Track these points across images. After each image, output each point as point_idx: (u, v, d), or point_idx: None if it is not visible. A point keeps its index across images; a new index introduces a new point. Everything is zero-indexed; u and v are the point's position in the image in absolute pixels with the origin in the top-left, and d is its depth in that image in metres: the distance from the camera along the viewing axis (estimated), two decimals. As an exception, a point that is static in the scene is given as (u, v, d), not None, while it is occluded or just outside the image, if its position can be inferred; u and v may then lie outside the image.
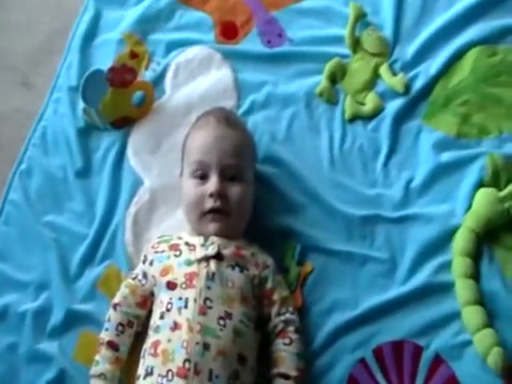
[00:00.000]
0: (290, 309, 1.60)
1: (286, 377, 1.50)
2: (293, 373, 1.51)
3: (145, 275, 1.62)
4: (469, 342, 1.60)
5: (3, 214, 1.83)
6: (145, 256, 1.65)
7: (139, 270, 1.64)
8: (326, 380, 1.58)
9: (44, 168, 1.88)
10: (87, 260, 1.75)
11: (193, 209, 1.63)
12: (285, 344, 1.55)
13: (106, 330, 1.57)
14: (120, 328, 1.57)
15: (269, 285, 1.60)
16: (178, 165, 1.78)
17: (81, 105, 1.90)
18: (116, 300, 1.60)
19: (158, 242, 1.66)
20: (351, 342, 1.62)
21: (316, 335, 1.62)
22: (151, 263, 1.62)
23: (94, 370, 1.53)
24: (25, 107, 2.08)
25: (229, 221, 1.61)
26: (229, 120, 1.70)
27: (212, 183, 1.60)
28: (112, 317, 1.58)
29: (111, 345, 1.55)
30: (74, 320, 1.67)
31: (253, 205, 1.69)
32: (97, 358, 1.54)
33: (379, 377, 1.58)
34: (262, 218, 1.74)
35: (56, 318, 1.67)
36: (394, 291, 1.67)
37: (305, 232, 1.74)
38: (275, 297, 1.59)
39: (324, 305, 1.66)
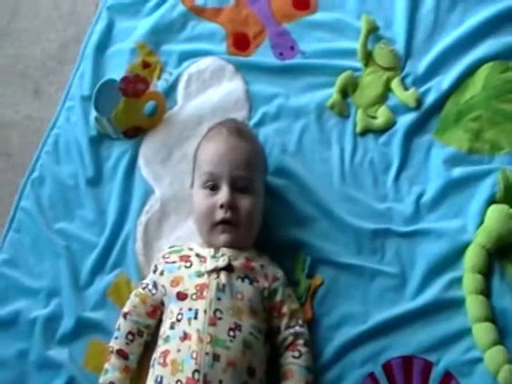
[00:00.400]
0: (300, 321, 1.60)
1: None
2: None
3: (155, 285, 1.62)
4: (479, 359, 1.60)
5: (15, 222, 1.84)
6: (155, 266, 1.66)
7: (149, 279, 1.65)
8: (335, 395, 1.59)
9: (56, 176, 1.89)
10: (98, 268, 1.76)
11: (203, 220, 1.63)
12: (294, 357, 1.55)
13: (116, 338, 1.58)
14: (130, 337, 1.58)
15: (278, 297, 1.60)
16: (188, 175, 1.79)
17: (93, 114, 1.91)
18: (126, 309, 1.61)
19: (169, 253, 1.66)
20: (360, 357, 1.62)
21: (325, 349, 1.62)
22: (162, 273, 1.62)
23: (103, 378, 1.53)
24: (36, 115, 2.10)
25: (239, 232, 1.62)
26: (240, 131, 1.71)
27: (223, 194, 1.60)
28: (122, 326, 1.59)
29: (121, 353, 1.56)
30: (83, 328, 1.68)
31: (263, 217, 1.70)
32: (106, 366, 1.55)
33: (388, 392, 1.58)
34: (272, 230, 1.74)
35: (66, 325, 1.68)
36: (404, 306, 1.67)
37: (315, 245, 1.74)
38: (285, 309, 1.59)
39: (333, 318, 1.66)
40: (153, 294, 1.62)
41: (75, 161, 1.90)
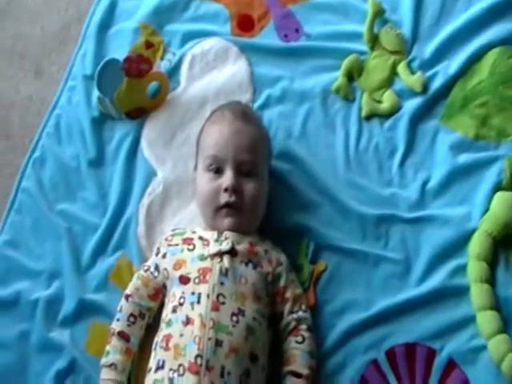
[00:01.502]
0: (303, 307, 1.60)
1: (297, 375, 1.51)
2: (305, 371, 1.51)
3: (157, 268, 1.62)
4: (483, 348, 1.60)
5: (16, 202, 1.84)
6: (158, 248, 1.66)
7: (151, 262, 1.64)
8: (338, 380, 1.59)
9: (57, 157, 1.89)
10: (99, 250, 1.76)
11: (207, 203, 1.63)
12: (297, 342, 1.55)
13: (118, 320, 1.58)
14: (131, 319, 1.58)
15: (282, 282, 1.60)
16: (192, 158, 1.79)
17: (95, 94, 1.91)
18: (128, 291, 1.61)
19: (172, 235, 1.66)
20: (364, 343, 1.62)
21: (328, 335, 1.63)
22: (164, 256, 1.62)
23: (104, 360, 1.54)
24: (37, 95, 2.08)
25: (243, 216, 1.61)
26: (245, 115, 1.70)
27: (227, 177, 1.60)
28: (124, 307, 1.59)
29: (122, 335, 1.56)
30: (85, 310, 1.69)
31: (267, 202, 1.69)
32: (107, 348, 1.55)
33: (391, 378, 1.59)
34: (275, 215, 1.74)
35: (68, 307, 1.69)
36: (408, 293, 1.67)
37: (318, 230, 1.74)
38: (288, 294, 1.59)
39: (337, 305, 1.67)
40: (155, 277, 1.62)
41: (77, 142, 1.90)
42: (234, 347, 1.44)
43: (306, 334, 1.56)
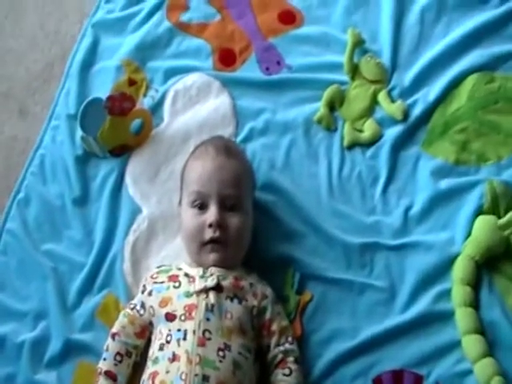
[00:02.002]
0: (290, 339, 1.60)
1: None
2: None
3: (143, 305, 1.63)
4: (469, 371, 1.61)
5: (1, 244, 1.84)
6: (144, 286, 1.66)
7: (137, 300, 1.65)
8: (326, 410, 1.60)
9: (42, 196, 1.90)
10: (85, 289, 1.76)
11: (192, 239, 1.64)
12: (284, 374, 1.55)
13: (104, 359, 1.58)
14: (118, 358, 1.58)
15: (267, 315, 1.60)
16: (176, 193, 1.80)
17: (79, 133, 1.93)
18: (114, 330, 1.61)
19: (158, 272, 1.67)
20: (351, 372, 1.63)
21: (315, 365, 1.63)
22: (150, 293, 1.62)
23: None
24: (21, 135, 2.12)
25: (228, 251, 1.62)
26: (228, 150, 1.72)
27: (211, 213, 1.61)
28: (110, 346, 1.59)
29: (109, 375, 1.55)
30: (72, 350, 1.68)
31: (252, 233, 1.71)
32: None
33: (379, 407, 1.59)
34: (260, 246, 1.75)
35: (54, 347, 1.69)
36: (394, 320, 1.68)
37: (303, 260, 1.75)
38: (274, 327, 1.60)
39: (323, 334, 1.67)
40: (141, 315, 1.62)
41: (61, 181, 1.91)
42: (221, 382, 1.44)
43: (293, 367, 1.56)
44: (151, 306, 1.60)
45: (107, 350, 1.59)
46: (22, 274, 1.80)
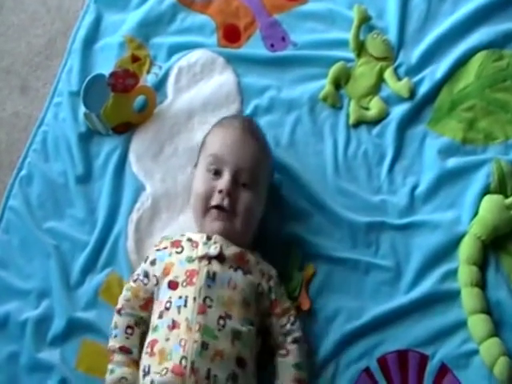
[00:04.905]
0: (292, 318, 1.60)
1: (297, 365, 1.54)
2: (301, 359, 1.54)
3: (147, 275, 1.61)
4: (475, 352, 1.61)
5: (3, 221, 1.84)
6: (147, 256, 1.66)
7: (140, 270, 1.63)
8: (331, 391, 1.60)
9: (44, 174, 1.90)
10: (89, 267, 1.76)
11: (200, 202, 1.63)
12: (281, 355, 1.56)
13: (115, 336, 1.56)
14: (129, 331, 1.57)
15: (272, 296, 1.60)
16: (180, 170, 1.83)
17: (82, 110, 1.92)
18: (119, 305, 1.60)
19: (160, 241, 1.67)
20: (356, 352, 1.63)
21: (321, 344, 1.64)
22: (153, 262, 1.62)
23: (110, 378, 1.51)
24: (23, 112, 2.09)
25: (233, 223, 1.61)
26: (253, 130, 1.73)
27: (224, 180, 1.61)
28: (118, 322, 1.58)
29: (124, 350, 1.54)
30: (75, 328, 1.69)
31: (260, 218, 1.70)
32: (110, 366, 1.52)
33: (384, 387, 1.60)
34: (265, 225, 1.74)
35: (57, 326, 1.69)
36: (399, 300, 1.68)
37: (309, 240, 1.75)
38: (278, 310, 1.60)
39: (328, 313, 1.67)
40: (145, 285, 1.60)
41: (64, 158, 1.90)
42: (220, 351, 1.44)
43: (290, 347, 1.56)
44: (154, 275, 1.59)
45: (116, 327, 1.57)
46: (25, 252, 1.79)
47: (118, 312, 1.59)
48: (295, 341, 1.57)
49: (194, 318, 1.46)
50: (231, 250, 1.58)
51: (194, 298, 1.49)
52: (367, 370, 1.61)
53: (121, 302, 1.61)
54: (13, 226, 1.84)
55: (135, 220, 1.81)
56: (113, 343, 1.56)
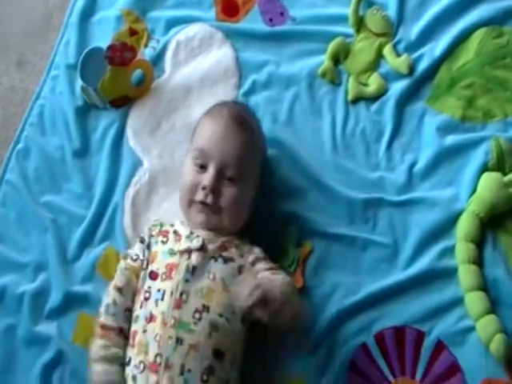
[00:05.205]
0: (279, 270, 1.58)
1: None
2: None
3: (144, 254, 1.61)
4: (471, 329, 1.62)
5: (0, 195, 1.84)
6: (142, 237, 1.65)
7: (139, 250, 1.62)
8: (327, 365, 1.60)
9: (41, 148, 1.89)
10: (86, 241, 1.76)
11: (185, 193, 1.62)
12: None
13: (114, 315, 1.54)
14: (127, 314, 1.55)
15: (256, 267, 1.58)
16: (178, 146, 1.83)
17: (79, 83, 1.90)
18: (119, 284, 1.57)
19: (153, 225, 1.67)
20: (353, 327, 1.64)
21: (317, 320, 1.64)
22: (148, 246, 1.62)
23: (104, 353, 1.48)
24: (20, 86, 2.08)
25: (219, 217, 1.60)
26: (242, 120, 1.67)
27: (208, 176, 1.59)
28: (119, 302, 1.55)
29: (121, 331, 1.53)
30: (72, 301, 1.69)
31: (250, 209, 1.68)
32: (106, 342, 1.50)
33: (381, 362, 1.60)
34: (262, 201, 1.73)
35: (54, 299, 1.69)
36: (397, 276, 1.68)
37: (306, 216, 1.75)
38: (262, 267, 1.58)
39: (325, 289, 1.67)
40: (142, 266, 1.59)
41: (61, 132, 1.90)
42: (194, 344, 1.43)
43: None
44: (147, 259, 1.60)
45: (115, 304, 1.55)
46: (22, 225, 1.79)
47: (120, 290, 1.57)
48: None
49: (170, 313, 1.46)
50: (214, 244, 1.58)
51: (171, 293, 1.48)
52: (364, 346, 1.62)
53: (121, 281, 1.58)
54: (10, 200, 1.83)
55: (132, 194, 1.80)
56: (111, 322, 1.52)
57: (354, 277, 1.69)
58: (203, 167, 1.61)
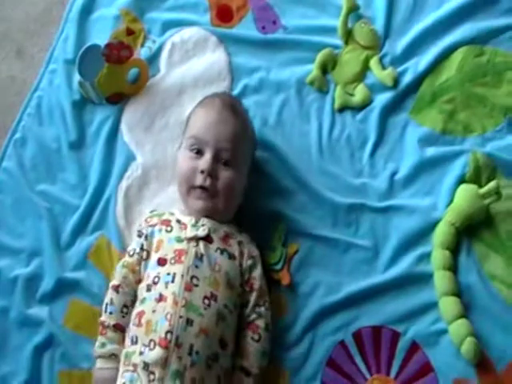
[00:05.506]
0: (266, 304, 1.62)
1: (247, 372, 1.54)
2: (254, 370, 1.54)
3: (142, 248, 1.63)
4: (444, 331, 1.65)
5: (-3, 182, 1.85)
6: (139, 231, 1.66)
7: (136, 244, 1.64)
8: (307, 360, 1.64)
9: (38, 138, 1.90)
10: (79, 230, 1.77)
11: (184, 180, 1.65)
12: (253, 339, 1.57)
13: (110, 313, 1.57)
14: (125, 310, 1.57)
15: (253, 273, 1.62)
16: (170, 143, 1.85)
17: (77, 78, 1.91)
18: (116, 282, 1.60)
19: (151, 216, 1.69)
20: (332, 325, 1.66)
21: (299, 315, 1.67)
22: (146, 237, 1.63)
23: (101, 351, 1.53)
24: (19, 76, 2.09)
25: (215, 202, 1.63)
26: (234, 108, 1.72)
27: (205, 160, 1.62)
28: (115, 300, 1.58)
29: (118, 327, 1.55)
30: (64, 287, 1.70)
31: (243, 194, 1.71)
32: (102, 340, 1.54)
33: (358, 359, 1.63)
34: (251, 201, 1.76)
35: (47, 284, 1.70)
36: (376, 278, 1.71)
37: (292, 216, 1.77)
38: (256, 286, 1.61)
39: (307, 287, 1.70)
40: (141, 258, 1.62)
41: (58, 124, 1.91)
42: (204, 329, 1.46)
43: (263, 334, 1.58)
44: (147, 250, 1.61)
45: (111, 303, 1.57)
46: (17, 212, 1.80)
47: (116, 289, 1.59)
48: (267, 328, 1.59)
49: (181, 294, 1.48)
50: (218, 234, 1.61)
51: (182, 276, 1.51)
52: (342, 343, 1.64)
53: (118, 279, 1.60)
54: (6, 187, 1.84)
55: (125, 187, 1.82)
56: (107, 319, 1.56)
57: (336, 277, 1.72)
58: (199, 153, 1.63)
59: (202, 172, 1.61)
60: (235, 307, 1.56)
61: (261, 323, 1.58)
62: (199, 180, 1.61)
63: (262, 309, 1.60)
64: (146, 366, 1.42)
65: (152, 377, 1.41)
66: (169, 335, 1.43)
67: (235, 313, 1.56)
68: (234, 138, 1.65)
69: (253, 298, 1.60)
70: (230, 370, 1.52)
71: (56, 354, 1.63)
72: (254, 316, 1.59)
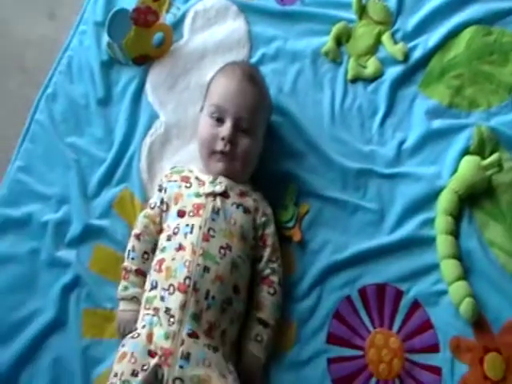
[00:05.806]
0: (279, 261, 1.62)
1: (265, 324, 1.55)
2: (271, 321, 1.55)
3: (162, 202, 1.63)
4: (445, 292, 1.65)
5: (30, 132, 1.83)
6: (160, 185, 1.67)
7: (157, 198, 1.65)
8: (314, 312, 1.64)
9: (68, 94, 1.88)
10: (105, 181, 1.77)
11: (205, 146, 1.65)
12: (269, 293, 1.58)
13: (132, 259, 1.59)
14: (145, 256, 1.60)
15: (266, 230, 1.63)
16: (191, 104, 1.84)
17: (105, 39, 1.90)
18: (138, 231, 1.62)
19: (171, 173, 1.69)
20: (339, 281, 1.66)
21: (308, 271, 1.67)
22: (165, 191, 1.64)
23: (124, 293, 1.56)
24: (51, 35, 2.07)
25: (234, 165, 1.63)
26: (253, 78, 1.70)
27: (226, 128, 1.61)
28: (137, 247, 1.60)
29: (139, 272, 1.58)
30: (90, 233, 1.70)
31: (258, 158, 1.71)
32: (125, 283, 1.57)
33: (362, 313, 1.63)
34: (266, 162, 1.75)
35: (74, 229, 1.70)
36: (381, 239, 1.71)
37: (304, 178, 1.76)
38: (269, 242, 1.62)
39: (316, 244, 1.70)
40: (162, 211, 1.63)
41: (87, 82, 1.89)
42: (220, 275, 1.47)
43: (278, 288, 1.59)
44: (167, 203, 1.62)
45: (133, 250, 1.60)
46: (48, 161, 1.79)
47: (137, 237, 1.61)
48: (280, 283, 1.60)
49: (199, 244, 1.49)
50: (234, 191, 1.61)
51: (200, 227, 1.52)
52: (348, 298, 1.64)
53: (140, 228, 1.62)
54: (38, 137, 1.82)
55: (148, 143, 1.81)
56: (129, 264, 1.59)
57: (343, 236, 1.71)
58: (220, 121, 1.63)
59: (223, 139, 1.61)
60: (248, 258, 1.57)
61: (275, 278, 1.59)
62: (220, 146, 1.61)
63: (275, 265, 1.61)
64: (167, 310, 1.44)
65: (172, 320, 1.43)
66: (187, 281, 1.45)
67: (248, 263, 1.57)
68: (252, 107, 1.64)
69: (266, 253, 1.60)
70: (242, 314, 1.53)
71: (82, 294, 1.64)
72: (268, 271, 1.59)
